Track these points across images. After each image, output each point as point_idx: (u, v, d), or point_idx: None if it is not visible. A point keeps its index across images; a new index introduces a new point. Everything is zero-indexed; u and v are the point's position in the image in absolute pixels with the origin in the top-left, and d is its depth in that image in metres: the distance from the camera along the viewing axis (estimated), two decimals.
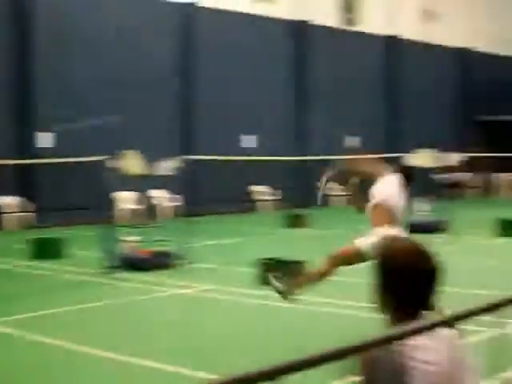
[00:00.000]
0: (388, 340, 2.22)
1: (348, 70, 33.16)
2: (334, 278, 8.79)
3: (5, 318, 10.17)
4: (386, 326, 2.94)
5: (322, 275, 8.63)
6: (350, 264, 8.56)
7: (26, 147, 24.00)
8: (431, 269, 2.94)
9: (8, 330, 9.47)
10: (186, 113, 28.19)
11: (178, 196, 25.01)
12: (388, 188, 8.52)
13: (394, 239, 3.21)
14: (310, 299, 10.71)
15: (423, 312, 2.90)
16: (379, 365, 2.75)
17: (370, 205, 8.48)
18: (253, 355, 7.79)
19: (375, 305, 3.04)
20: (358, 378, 2.78)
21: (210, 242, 18.66)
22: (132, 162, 16.34)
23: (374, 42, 35.06)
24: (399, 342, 2.55)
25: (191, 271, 14.26)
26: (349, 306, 10.52)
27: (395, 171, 8.76)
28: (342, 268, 8.64)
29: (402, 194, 8.60)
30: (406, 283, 2.90)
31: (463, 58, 39.54)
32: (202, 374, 7.07)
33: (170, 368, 7.57)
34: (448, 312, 2.33)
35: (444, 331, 2.81)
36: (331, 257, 8.53)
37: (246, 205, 29.03)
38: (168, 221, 21.34)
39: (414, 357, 2.72)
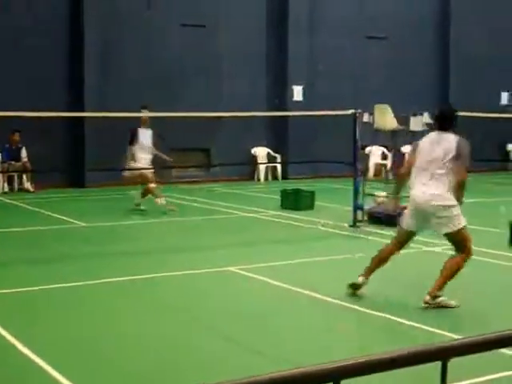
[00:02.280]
0: None
1: None
2: None
3: (261, 264, 10.62)
4: None
5: None
6: None
7: (281, 101, 24.69)
8: None
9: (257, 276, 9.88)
10: (441, 66, 27.67)
11: None
12: None
13: None
14: None
15: None
16: None
17: None
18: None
19: None
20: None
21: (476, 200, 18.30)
22: (384, 117, 16.32)
23: None
24: None
25: None
26: None
27: None
28: None
29: None
30: None
31: None
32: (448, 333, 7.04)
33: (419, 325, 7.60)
34: None
35: None
36: None
37: (498, 164, 28.14)
38: None
39: None
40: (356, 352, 5.13)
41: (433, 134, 8.64)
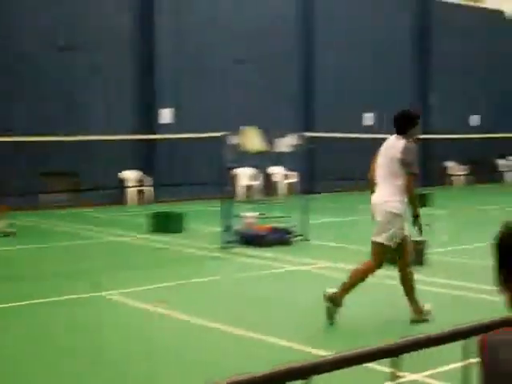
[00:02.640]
0: (494, 326, 2.20)
1: (473, 45, 32.44)
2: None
3: (123, 290, 10.48)
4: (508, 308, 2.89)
5: None
6: None
7: (146, 124, 24.57)
8: None
9: (126, 301, 9.75)
10: (306, 89, 28.21)
11: (295, 173, 25.12)
12: None
13: None
14: (430, 280, 10.64)
15: None
16: (501, 346, 2.69)
17: None
18: (374, 334, 7.79)
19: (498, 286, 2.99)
20: (477, 360, 2.74)
21: (327, 220, 18.67)
22: (251, 139, 16.48)
23: (497, 18, 34.21)
24: None
25: (308, 248, 14.33)
26: (474, 289, 10.37)
27: None
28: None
29: None
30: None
31: None
32: (314, 351, 7.13)
33: (285, 343, 7.65)
34: None
35: None
36: None
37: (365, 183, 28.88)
38: (285, 197, 21.45)
39: None
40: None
41: (391, 138, 8.56)
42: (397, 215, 8.27)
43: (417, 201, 8.48)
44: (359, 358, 1.70)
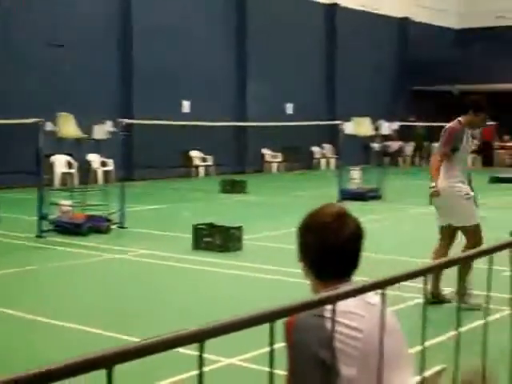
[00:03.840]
0: (314, 304, 2.29)
1: (287, 35, 33.11)
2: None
3: None
4: (311, 291, 3.01)
5: None
6: None
7: None
8: (354, 234, 3.03)
9: None
10: (124, 76, 27.91)
11: (112, 160, 24.88)
12: None
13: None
14: (247, 265, 10.87)
15: (347, 278, 2.98)
16: (305, 329, 2.80)
17: None
18: (183, 318, 7.87)
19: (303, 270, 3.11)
20: (284, 343, 2.83)
21: (146, 207, 18.64)
22: (67, 125, 16.17)
23: (315, 9, 35.07)
24: (326, 306, 2.62)
25: (126, 236, 14.27)
26: (281, 272, 10.66)
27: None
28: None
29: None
30: (328, 247, 2.96)
31: (403, 28, 39.92)
32: (127, 337, 7.13)
33: (94, 330, 7.62)
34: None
35: (373, 298, 2.88)
36: None
37: (183, 170, 28.98)
38: (104, 185, 21.21)
39: (341, 322, 2.78)
40: None
41: None
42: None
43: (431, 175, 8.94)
44: (164, 344, 1.73)
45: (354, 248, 2.99)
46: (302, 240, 3.02)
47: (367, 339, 2.78)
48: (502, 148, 35.35)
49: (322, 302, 2.25)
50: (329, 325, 2.73)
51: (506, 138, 35.64)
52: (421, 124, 34.77)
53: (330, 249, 2.94)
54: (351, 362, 2.78)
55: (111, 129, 16.92)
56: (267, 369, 1.97)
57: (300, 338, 2.80)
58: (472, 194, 8.84)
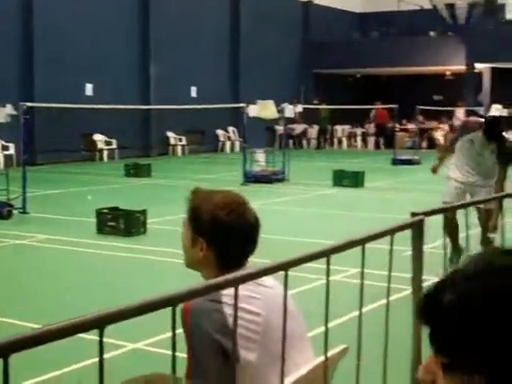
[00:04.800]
0: (216, 287, 2.29)
1: (190, 18, 32.95)
2: None
3: None
4: (205, 278, 3.01)
5: None
6: None
7: None
8: (251, 221, 3.03)
9: None
10: (25, 58, 27.29)
11: (13, 144, 24.34)
12: None
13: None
14: (151, 249, 10.83)
15: (242, 264, 2.99)
16: (201, 314, 2.79)
17: None
18: (85, 303, 7.77)
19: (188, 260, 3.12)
20: (181, 329, 2.82)
21: (48, 192, 18.33)
22: None
23: None
24: (222, 291, 2.63)
25: (29, 221, 14.00)
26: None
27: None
28: None
29: None
30: (227, 235, 2.97)
31: (306, 11, 40.18)
32: (25, 323, 7.01)
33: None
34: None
35: (268, 280, 2.90)
36: None
37: (87, 154, 28.60)
38: (4, 170, 20.77)
39: (239, 307, 2.77)
40: None
41: None
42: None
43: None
44: (63, 331, 1.70)
45: (256, 234, 3.01)
46: (207, 226, 3.00)
47: (267, 323, 2.79)
48: (402, 130, 36.07)
49: (224, 285, 2.25)
50: (225, 309, 2.75)
51: (404, 121, 36.37)
52: (324, 107, 35.14)
53: (241, 234, 2.96)
54: (251, 346, 2.78)
55: (12, 112, 16.55)
56: (171, 352, 1.95)
57: (196, 323, 2.79)
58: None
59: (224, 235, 2.96)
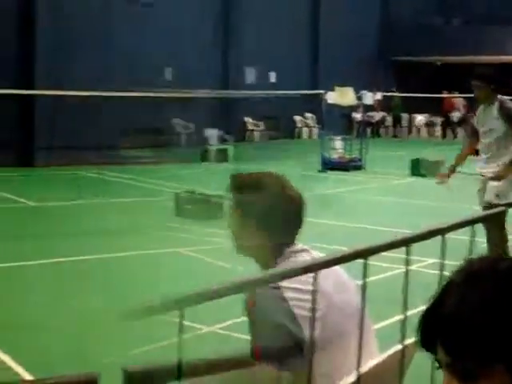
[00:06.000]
0: (298, 272, 2.30)
1: (272, 4, 32.77)
2: None
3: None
4: (258, 257, 3.02)
5: None
6: None
7: None
8: (297, 198, 3.07)
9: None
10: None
11: None
12: None
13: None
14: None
15: (293, 243, 3.02)
16: (266, 302, 2.79)
17: None
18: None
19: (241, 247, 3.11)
20: (246, 318, 2.84)
21: None
22: None
23: None
24: (281, 281, 2.65)
25: None
26: None
27: None
28: None
29: None
30: (276, 215, 2.98)
31: None
32: None
33: None
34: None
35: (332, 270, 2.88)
36: None
37: (162, 139, 28.76)
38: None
39: (297, 288, 2.77)
40: None
41: None
42: None
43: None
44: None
45: (302, 211, 3.08)
46: (255, 208, 3.02)
47: (325, 299, 2.79)
48: None
49: (306, 270, 2.27)
50: (286, 294, 2.78)
51: None
52: (397, 95, 34.74)
53: (289, 213, 3.02)
54: (314, 325, 2.80)
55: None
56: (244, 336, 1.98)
57: (262, 311, 2.81)
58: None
59: (273, 216, 2.97)
